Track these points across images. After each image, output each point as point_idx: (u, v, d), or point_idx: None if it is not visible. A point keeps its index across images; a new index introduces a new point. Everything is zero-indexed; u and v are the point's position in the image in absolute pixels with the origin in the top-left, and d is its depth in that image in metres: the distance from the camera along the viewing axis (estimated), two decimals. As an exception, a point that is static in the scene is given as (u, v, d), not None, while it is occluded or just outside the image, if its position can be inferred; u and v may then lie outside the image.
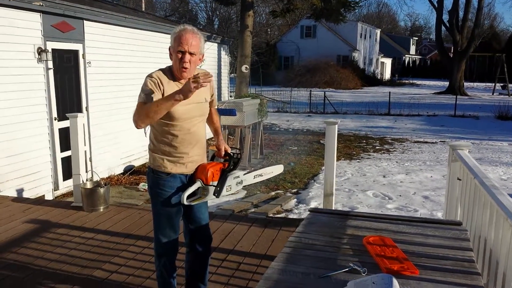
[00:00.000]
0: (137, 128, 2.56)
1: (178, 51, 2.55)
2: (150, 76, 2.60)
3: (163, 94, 2.56)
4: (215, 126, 3.02)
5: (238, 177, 2.84)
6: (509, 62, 33.66)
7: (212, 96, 2.88)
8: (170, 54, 2.63)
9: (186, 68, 2.58)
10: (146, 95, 2.54)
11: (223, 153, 2.90)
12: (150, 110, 2.46)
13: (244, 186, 3.01)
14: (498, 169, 9.38)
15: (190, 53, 2.56)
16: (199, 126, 2.76)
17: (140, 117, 2.49)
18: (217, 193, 2.72)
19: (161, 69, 2.66)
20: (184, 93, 2.40)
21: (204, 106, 2.78)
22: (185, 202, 2.63)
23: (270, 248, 4.12)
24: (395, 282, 1.64)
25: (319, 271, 1.89)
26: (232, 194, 2.88)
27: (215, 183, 2.71)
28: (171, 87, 2.60)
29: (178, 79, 2.64)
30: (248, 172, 3.01)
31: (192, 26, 2.63)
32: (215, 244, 4.20)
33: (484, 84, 42.51)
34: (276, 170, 3.27)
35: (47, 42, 6.56)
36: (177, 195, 2.70)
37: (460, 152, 3.51)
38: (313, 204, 6.66)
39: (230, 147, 2.94)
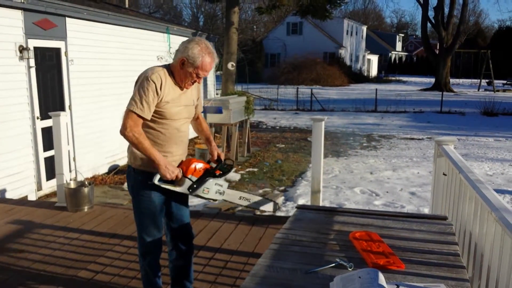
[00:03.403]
0: (121, 133, 2.56)
1: (197, 74, 2.57)
2: (149, 79, 2.51)
3: (162, 99, 2.54)
4: (206, 134, 2.98)
5: (221, 186, 2.74)
6: (494, 58, 34.06)
7: (198, 99, 2.86)
8: (182, 63, 2.55)
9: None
10: (141, 105, 2.50)
11: (215, 157, 2.86)
12: (140, 146, 2.52)
13: (226, 201, 2.88)
14: (484, 165, 9.47)
15: None
16: (186, 127, 2.78)
17: (130, 137, 2.52)
18: (192, 189, 2.64)
19: (165, 68, 2.61)
20: (163, 173, 2.53)
21: (192, 108, 2.80)
22: (156, 182, 2.56)
23: (257, 246, 4.11)
24: (381, 276, 1.64)
25: (306, 267, 1.89)
26: (208, 199, 2.76)
27: (194, 179, 2.64)
28: (174, 90, 2.61)
29: (179, 85, 2.64)
30: (234, 189, 2.95)
31: (213, 48, 2.64)
32: (202, 243, 4.18)
33: (469, 80, 43.02)
34: (266, 206, 3.14)
35: (29, 40, 6.45)
36: (159, 193, 2.67)
37: (446, 147, 3.53)
38: (300, 202, 6.66)
39: (226, 159, 2.88)
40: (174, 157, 2.70)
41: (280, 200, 6.91)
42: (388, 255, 1.96)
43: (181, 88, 2.65)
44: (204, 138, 3.00)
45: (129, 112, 2.50)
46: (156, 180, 2.56)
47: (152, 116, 2.57)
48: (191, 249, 2.99)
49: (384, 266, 1.86)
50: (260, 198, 3.08)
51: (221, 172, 2.78)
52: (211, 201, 2.77)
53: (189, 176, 2.62)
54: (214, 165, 2.84)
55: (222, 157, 2.86)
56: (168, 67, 2.62)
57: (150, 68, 2.60)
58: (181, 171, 2.61)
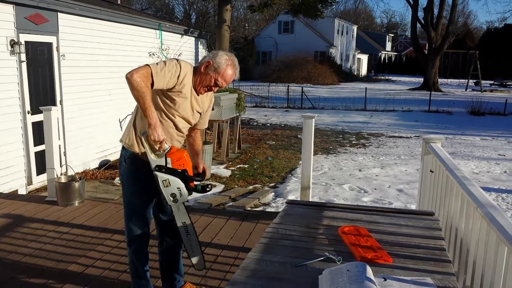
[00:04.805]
0: (127, 76, 2.37)
1: (216, 80, 2.62)
2: (178, 62, 2.56)
3: (180, 90, 2.57)
4: (196, 149, 3.00)
5: (181, 195, 2.52)
6: (482, 59, 34.38)
7: (206, 111, 2.88)
8: (207, 66, 2.62)
9: (206, 92, 2.72)
10: (159, 71, 2.45)
11: (200, 170, 2.84)
12: (141, 95, 2.37)
13: (172, 212, 2.65)
14: (470, 163, 9.60)
15: None
16: (184, 130, 2.79)
17: (137, 82, 2.35)
18: (158, 169, 2.47)
19: (194, 68, 2.67)
20: (150, 131, 2.41)
21: (198, 116, 2.82)
22: (140, 135, 2.49)
23: (247, 241, 4.15)
24: (368, 269, 1.67)
25: (296, 260, 1.91)
26: (158, 192, 2.52)
27: (170, 165, 2.50)
28: (191, 89, 2.64)
29: (195, 89, 2.68)
30: (188, 211, 2.71)
31: (238, 65, 2.70)
32: (193, 237, 4.20)
33: (457, 80, 43.34)
34: (195, 257, 2.80)
35: (20, 34, 6.41)
36: (150, 185, 2.69)
37: (433, 145, 3.59)
38: (290, 198, 6.70)
39: (208, 184, 2.78)
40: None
41: (270, 196, 6.96)
42: (376, 249, 1.99)
43: (197, 93, 2.70)
44: (193, 152, 2.99)
45: (146, 65, 2.45)
46: (142, 132, 2.48)
47: (161, 101, 2.59)
48: (179, 243, 3.03)
49: (372, 260, 1.89)
50: (197, 244, 2.77)
51: (194, 187, 2.61)
52: (162, 197, 2.52)
53: (168, 158, 2.50)
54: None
55: (207, 173, 2.80)
56: (194, 67, 2.69)
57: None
58: (170, 148, 2.51)
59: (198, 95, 2.72)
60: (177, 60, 2.59)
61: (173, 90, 2.57)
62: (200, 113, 2.82)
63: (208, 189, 2.68)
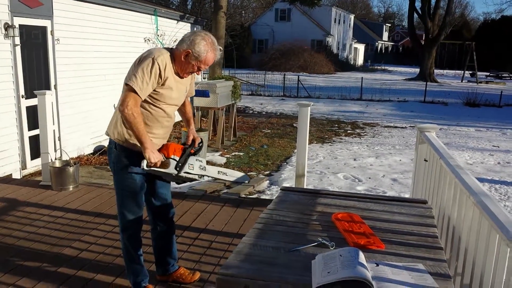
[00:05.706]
0: (119, 110, 2.55)
1: (199, 67, 2.63)
2: (155, 60, 2.51)
3: (163, 83, 2.57)
4: (187, 117, 3.04)
5: (201, 161, 2.83)
6: (479, 50, 34.38)
7: (190, 84, 2.90)
8: (186, 55, 2.59)
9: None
10: (142, 84, 2.49)
11: (189, 142, 2.89)
12: (135, 127, 2.50)
13: (207, 176, 2.91)
14: (465, 154, 9.65)
15: None
16: (174, 113, 2.83)
17: (129, 115, 2.48)
18: (179, 168, 2.69)
19: (169, 52, 2.63)
20: (148, 156, 2.53)
21: (184, 96, 2.86)
22: (145, 167, 2.59)
23: (242, 227, 4.17)
24: (361, 254, 1.69)
25: (289, 246, 1.92)
26: (193, 179, 2.79)
27: (177, 158, 2.71)
28: (173, 76, 2.64)
29: (178, 73, 2.67)
30: (212, 165, 3.02)
31: (217, 43, 2.69)
32: (187, 223, 4.22)
33: (453, 71, 43.41)
34: (240, 178, 3.16)
35: (14, 18, 6.34)
36: (141, 171, 2.70)
37: (428, 134, 3.60)
38: (285, 186, 6.72)
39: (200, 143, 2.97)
40: (157, 140, 2.74)
41: (265, 184, 6.97)
42: (369, 236, 2.01)
43: (179, 76, 2.68)
44: (185, 120, 3.05)
45: (130, 89, 2.48)
46: (144, 165, 2.59)
47: (148, 96, 2.59)
48: (172, 228, 3.06)
49: (364, 246, 1.90)
50: (235, 171, 3.18)
51: (194, 151, 2.86)
52: (198, 178, 2.80)
53: (172, 156, 2.68)
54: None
55: (197, 141, 2.90)
56: (171, 53, 2.64)
57: (157, 49, 2.62)
58: (163, 155, 2.65)
59: (180, 77, 2.71)
60: (152, 58, 2.52)
61: (157, 87, 2.58)
62: (186, 91, 2.85)
63: (201, 145, 2.93)
